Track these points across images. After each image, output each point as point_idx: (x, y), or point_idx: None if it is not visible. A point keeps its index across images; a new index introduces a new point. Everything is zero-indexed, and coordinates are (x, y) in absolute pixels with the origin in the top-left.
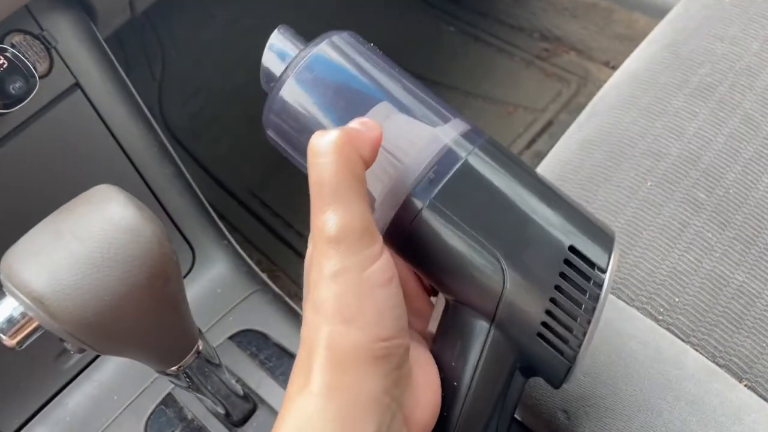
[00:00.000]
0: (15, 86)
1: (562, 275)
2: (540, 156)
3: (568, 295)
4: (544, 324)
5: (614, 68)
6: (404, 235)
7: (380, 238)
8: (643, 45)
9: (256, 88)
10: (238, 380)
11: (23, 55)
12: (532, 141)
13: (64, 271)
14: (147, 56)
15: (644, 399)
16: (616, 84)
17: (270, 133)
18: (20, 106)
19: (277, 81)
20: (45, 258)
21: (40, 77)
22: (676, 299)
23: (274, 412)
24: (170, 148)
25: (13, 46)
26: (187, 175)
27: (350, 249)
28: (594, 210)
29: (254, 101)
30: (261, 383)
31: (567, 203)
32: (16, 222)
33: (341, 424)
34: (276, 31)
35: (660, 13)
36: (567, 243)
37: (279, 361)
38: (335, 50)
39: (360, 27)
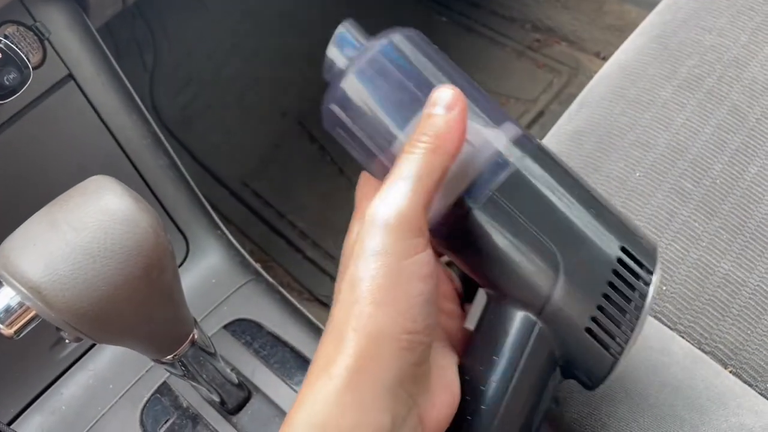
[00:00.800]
0: (9, 77)
1: (615, 272)
2: None
3: (619, 292)
4: (593, 319)
5: (605, 59)
6: (457, 229)
7: (427, 234)
8: (633, 36)
9: (248, 79)
10: (233, 369)
11: (16, 46)
12: None
13: (60, 261)
14: (138, 47)
15: (632, 384)
16: (605, 75)
17: (328, 121)
18: (14, 97)
19: (343, 71)
20: (41, 248)
21: (33, 68)
22: (663, 287)
23: (268, 400)
24: (163, 139)
25: (6, 37)
26: (181, 166)
27: (397, 234)
28: None
29: (246, 92)
30: (255, 372)
31: (614, 208)
32: (12, 213)
33: (358, 410)
34: (341, 24)
35: (651, 5)
36: (619, 243)
37: (273, 349)
38: (402, 45)
39: (353, 16)
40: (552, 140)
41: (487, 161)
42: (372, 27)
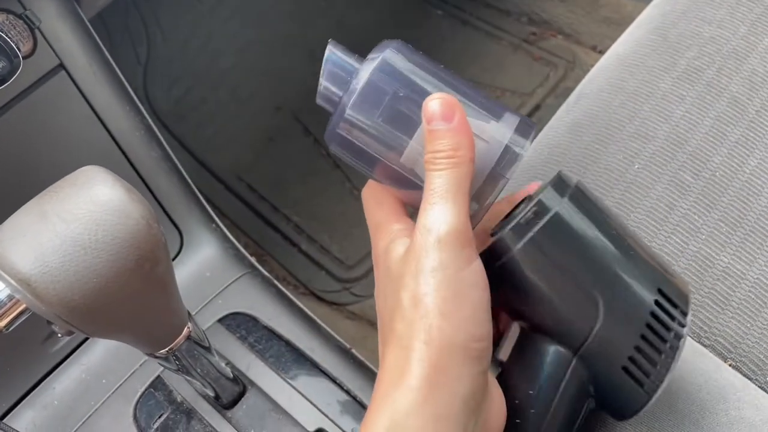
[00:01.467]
0: None
1: (652, 314)
2: None
3: (656, 333)
4: (631, 358)
5: (601, 52)
6: (495, 267)
7: (474, 243)
8: (631, 28)
9: (242, 72)
10: (228, 363)
11: (6, 35)
12: None
13: (50, 253)
14: (132, 39)
15: None
16: (603, 67)
17: (335, 148)
18: (3, 86)
19: (343, 95)
20: (31, 240)
21: (23, 58)
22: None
23: (263, 394)
24: (157, 131)
25: None
26: (174, 158)
27: (451, 248)
28: None
29: (240, 85)
30: (250, 366)
31: (649, 248)
32: (1, 204)
33: (436, 422)
34: (328, 48)
35: None
36: (656, 286)
37: (268, 343)
38: (394, 62)
39: (348, 11)
40: (550, 132)
41: (497, 157)
42: (365, 23)
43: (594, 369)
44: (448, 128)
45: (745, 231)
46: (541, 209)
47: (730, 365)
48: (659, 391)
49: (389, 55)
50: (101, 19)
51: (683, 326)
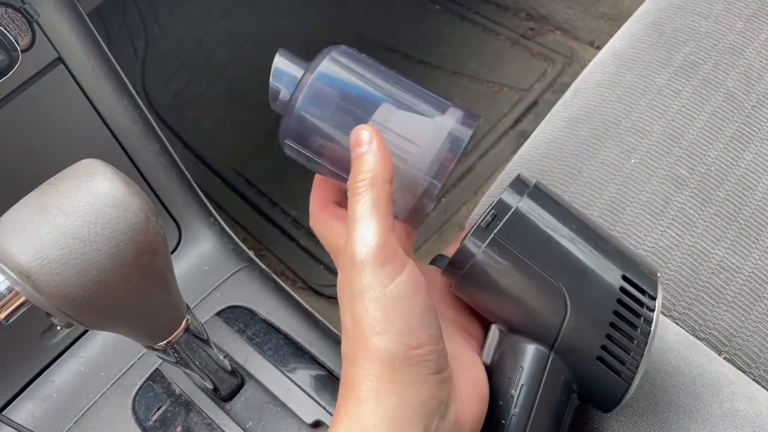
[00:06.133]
0: None
1: (620, 302)
2: (525, 135)
3: (626, 320)
4: (604, 347)
5: (599, 48)
6: (464, 272)
7: (400, 252)
8: (628, 23)
9: (240, 67)
10: (226, 356)
11: (5, 29)
12: (518, 120)
13: (50, 246)
14: (129, 34)
15: None
16: (600, 62)
17: (287, 149)
18: (2, 80)
19: (288, 102)
20: (31, 232)
21: (22, 51)
22: (658, 274)
23: (261, 387)
24: (155, 125)
25: None
26: (173, 152)
27: (371, 268)
28: (578, 187)
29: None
30: (248, 359)
31: (612, 237)
32: (1, 197)
33: (392, 424)
34: (277, 55)
35: None
36: (621, 272)
37: (266, 336)
38: (336, 65)
39: (346, 5)
40: (547, 127)
41: (438, 147)
42: (363, 18)
43: (571, 363)
44: (367, 151)
45: (740, 225)
46: (500, 210)
47: (724, 358)
48: (637, 378)
49: (331, 58)
50: (99, 14)
51: (652, 310)
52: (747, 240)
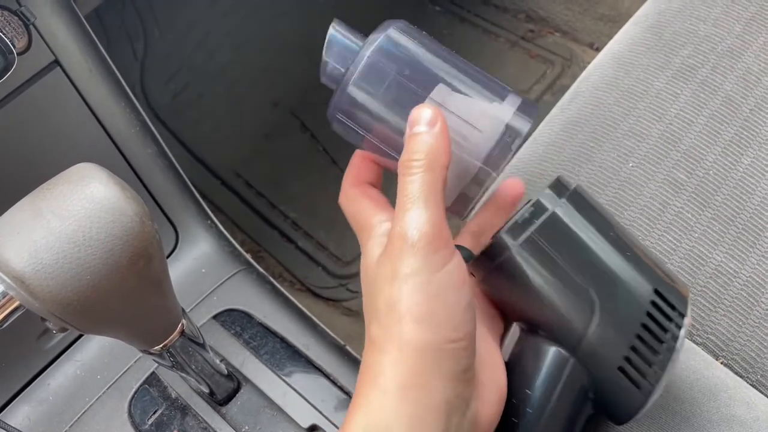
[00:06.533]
0: None
1: (648, 314)
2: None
3: (652, 333)
4: (627, 358)
5: (598, 50)
6: (495, 265)
7: (451, 241)
8: (627, 26)
9: (239, 68)
10: (222, 359)
11: (1, 32)
12: None
13: (44, 251)
14: (128, 35)
15: None
16: (599, 65)
17: (336, 124)
18: None
19: (342, 75)
20: (25, 237)
21: (18, 54)
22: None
23: (257, 391)
24: (152, 127)
25: None
26: (170, 155)
27: (423, 253)
28: None
29: (237, 81)
30: (245, 362)
31: (648, 251)
32: None
33: (411, 421)
34: (332, 26)
35: None
36: (653, 286)
37: (263, 340)
38: (395, 41)
39: (345, 7)
40: (545, 130)
41: (498, 136)
42: (362, 17)
43: (591, 369)
44: (427, 132)
45: (737, 229)
46: (539, 209)
47: (721, 363)
48: (656, 393)
49: (391, 33)
50: (98, 14)
51: (680, 327)
52: (744, 244)
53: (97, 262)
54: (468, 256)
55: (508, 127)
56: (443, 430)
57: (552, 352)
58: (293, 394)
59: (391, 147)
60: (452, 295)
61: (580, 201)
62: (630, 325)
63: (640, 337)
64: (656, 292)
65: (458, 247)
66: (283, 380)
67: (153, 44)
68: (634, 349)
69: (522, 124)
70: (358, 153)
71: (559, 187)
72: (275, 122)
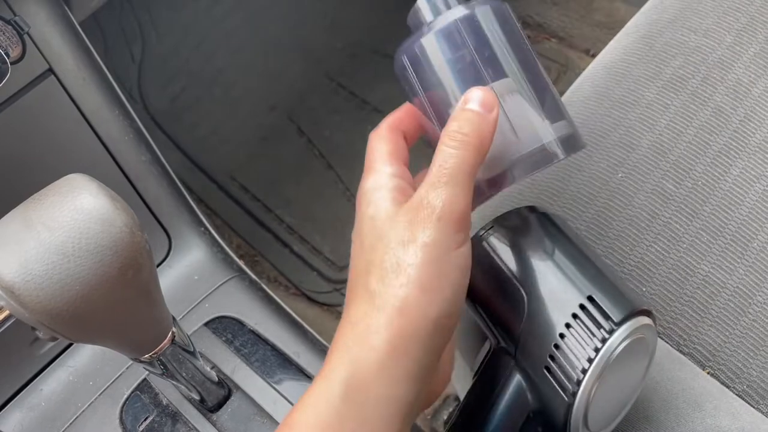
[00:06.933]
0: None
1: (574, 315)
2: None
3: (577, 335)
4: (551, 356)
5: (594, 56)
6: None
7: (470, 228)
8: (619, 36)
9: (237, 71)
10: (213, 367)
11: None
12: None
13: (34, 261)
14: (126, 38)
15: None
16: (590, 75)
17: (399, 67)
18: None
19: (426, 23)
20: (15, 247)
21: (12, 63)
22: (644, 289)
23: (248, 398)
24: (147, 135)
25: None
26: (164, 162)
27: (447, 227)
28: (565, 200)
29: (235, 84)
30: (236, 370)
31: (600, 263)
32: None
33: (391, 383)
34: None
35: (640, 2)
36: (588, 292)
37: (254, 347)
38: (489, 17)
39: (342, 11)
40: None
41: (530, 150)
42: (359, 20)
43: (528, 374)
44: (482, 114)
45: (725, 240)
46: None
47: (708, 373)
48: (585, 399)
49: (482, 10)
50: (95, 18)
51: (609, 333)
52: (732, 255)
53: (86, 272)
54: None
55: (542, 149)
56: (414, 397)
57: (503, 362)
58: (283, 402)
59: (437, 112)
60: (459, 276)
61: (545, 220)
62: (553, 325)
63: (562, 336)
64: (590, 298)
65: None
66: (274, 388)
67: (151, 48)
68: (557, 347)
69: (556, 152)
70: (408, 105)
71: (531, 208)
72: (272, 126)
